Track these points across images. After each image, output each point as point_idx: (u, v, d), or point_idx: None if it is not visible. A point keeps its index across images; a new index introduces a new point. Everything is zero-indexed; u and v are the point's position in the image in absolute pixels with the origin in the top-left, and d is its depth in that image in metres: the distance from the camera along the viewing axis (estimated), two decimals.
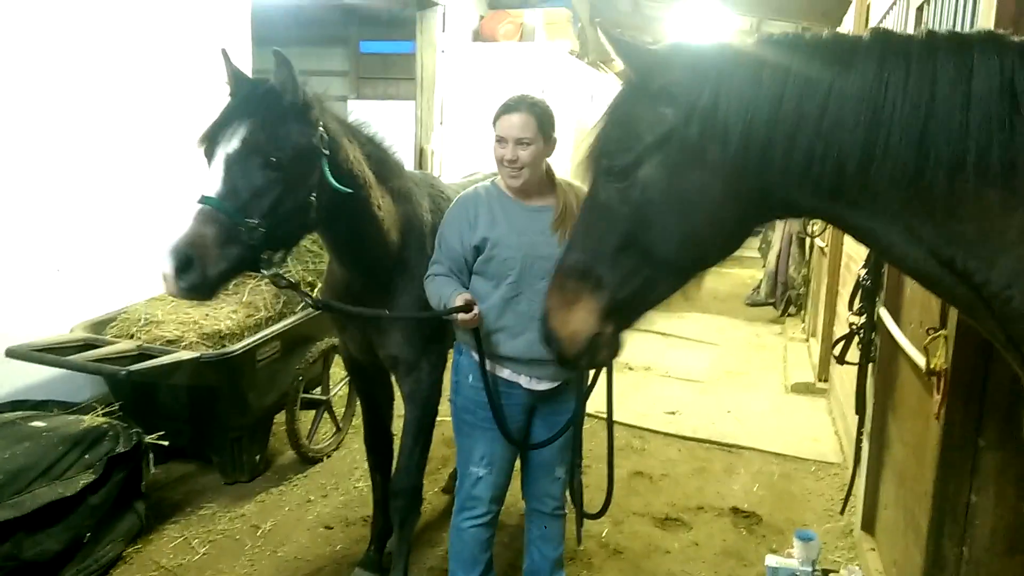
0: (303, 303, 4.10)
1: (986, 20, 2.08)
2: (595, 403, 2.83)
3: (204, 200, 2.26)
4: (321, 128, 2.45)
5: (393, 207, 2.85)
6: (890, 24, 3.82)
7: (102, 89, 4.21)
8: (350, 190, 2.52)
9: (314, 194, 2.43)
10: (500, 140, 2.51)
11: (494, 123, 2.54)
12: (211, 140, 2.34)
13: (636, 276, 1.50)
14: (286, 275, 2.50)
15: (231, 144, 2.30)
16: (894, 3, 3.79)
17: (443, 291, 2.56)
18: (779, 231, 8.61)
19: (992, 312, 1.30)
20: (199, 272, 2.20)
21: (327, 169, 2.46)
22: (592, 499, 3.41)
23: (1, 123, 3.73)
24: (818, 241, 6.95)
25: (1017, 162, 1.18)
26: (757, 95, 1.31)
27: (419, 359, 2.97)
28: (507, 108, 2.52)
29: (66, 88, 4.02)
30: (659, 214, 1.44)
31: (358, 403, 4.64)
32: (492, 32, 8.38)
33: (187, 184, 4.61)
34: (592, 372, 2.73)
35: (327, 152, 2.46)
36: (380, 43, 13.22)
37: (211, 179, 2.29)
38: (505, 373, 2.65)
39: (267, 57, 2.64)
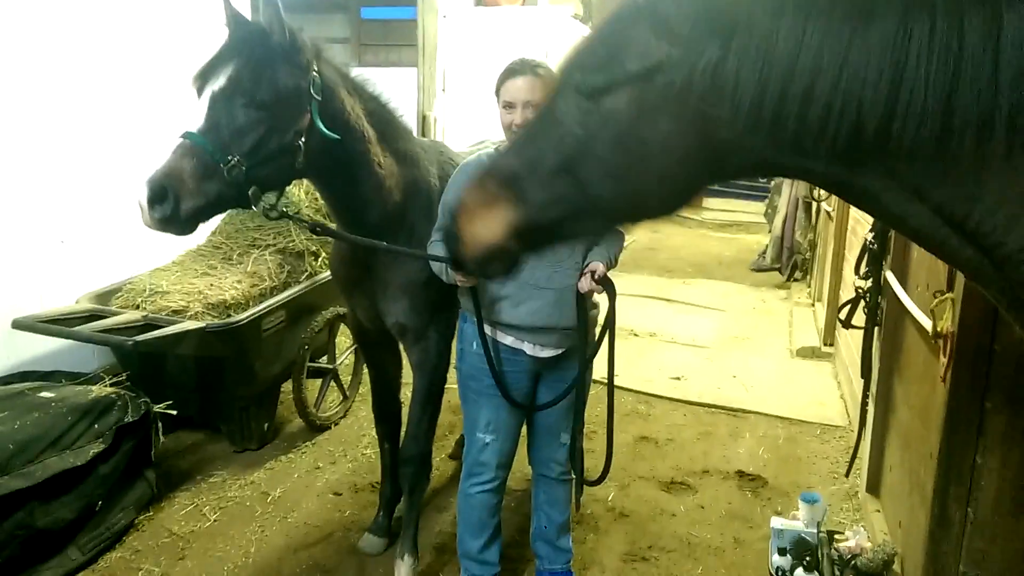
0: (307, 272, 4.12)
1: None
2: (601, 369, 2.83)
3: (186, 135, 2.26)
4: (315, 73, 2.44)
5: (396, 168, 2.82)
6: None
7: (104, 61, 4.17)
8: (338, 137, 2.49)
9: (302, 139, 2.42)
10: (507, 105, 2.46)
11: (498, 89, 2.50)
12: (202, 78, 2.34)
13: (562, 204, 1.38)
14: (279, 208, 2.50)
15: (217, 82, 2.30)
16: None
17: (438, 247, 2.54)
18: (785, 195, 8.55)
19: (1003, 274, 1.27)
20: (172, 204, 2.19)
21: (316, 115, 2.44)
22: (597, 465, 3.44)
23: (5, 97, 3.71)
24: (824, 206, 6.91)
25: None
26: (773, 51, 1.22)
27: (427, 327, 2.97)
28: (511, 72, 2.47)
29: (69, 61, 3.98)
30: (610, 150, 1.33)
31: (365, 371, 4.67)
32: None
33: None
34: (597, 338, 2.72)
35: (318, 98, 2.44)
36: (381, 9, 13.04)
37: (196, 115, 2.29)
38: (508, 340, 2.65)
39: None
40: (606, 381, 2.67)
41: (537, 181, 1.38)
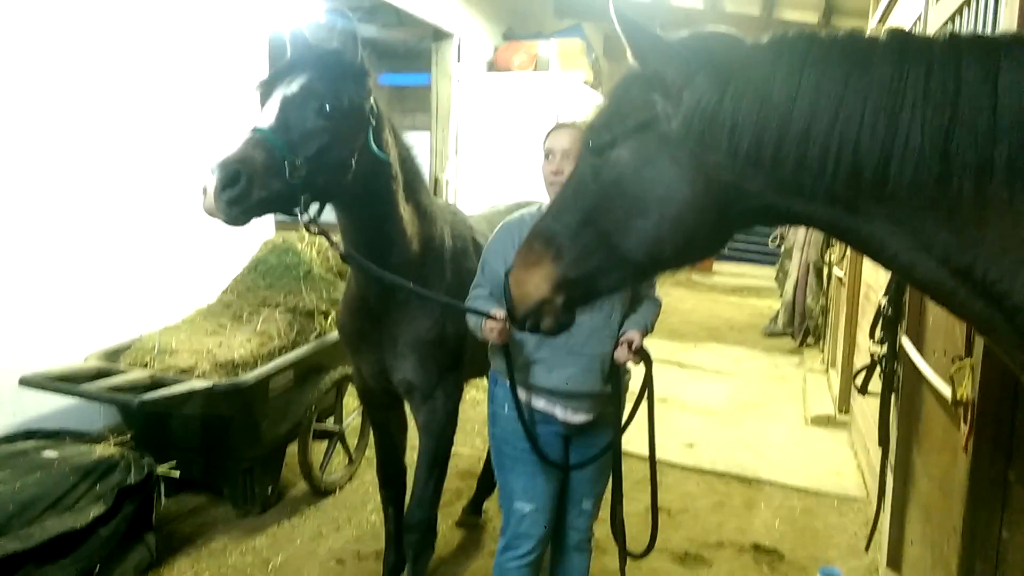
0: (316, 331, 4.11)
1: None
2: (626, 437, 2.77)
3: (256, 130, 2.34)
4: (372, 100, 2.57)
5: (416, 220, 2.86)
6: None
7: (122, 119, 4.26)
8: (387, 158, 2.62)
9: (355, 157, 2.52)
10: (548, 156, 2.52)
11: (544, 143, 2.57)
12: (268, 85, 2.46)
13: (592, 258, 1.48)
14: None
15: (290, 88, 2.41)
16: (911, 30, 3.78)
17: (478, 304, 2.54)
18: (796, 260, 8.55)
19: (1014, 327, 1.24)
20: (244, 187, 2.23)
21: (371, 137, 2.56)
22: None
23: (21, 153, 3.78)
24: (836, 271, 6.89)
25: None
26: (770, 93, 1.25)
27: (435, 387, 2.93)
28: (557, 127, 2.58)
29: (86, 118, 4.07)
30: (620, 200, 1.43)
31: (371, 434, 4.61)
32: (507, 62, 8.45)
33: (200, 217, 4.67)
34: (630, 406, 2.67)
35: (374, 123, 2.57)
36: (396, 76, 13.40)
37: (265, 114, 2.39)
38: (540, 404, 2.59)
39: None
40: (629, 450, 2.61)
41: (569, 237, 1.50)
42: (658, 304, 2.72)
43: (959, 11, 2.73)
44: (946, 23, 2.92)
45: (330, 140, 2.42)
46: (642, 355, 2.51)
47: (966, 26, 2.62)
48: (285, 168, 2.31)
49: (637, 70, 1.43)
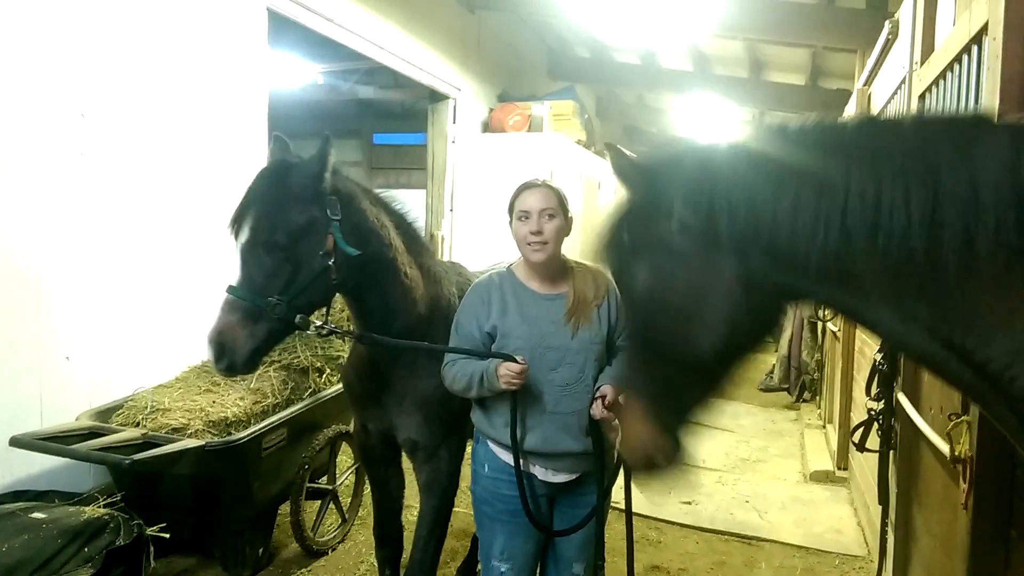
0: (310, 388, 4.08)
1: (990, 105, 2.12)
2: (618, 495, 2.73)
3: (229, 290, 2.51)
4: (331, 197, 2.58)
5: (422, 282, 2.90)
6: (892, 112, 3.90)
7: (114, 181, 4.30)
8: (359, 252, 2.61)
9: (331, 259, 2.56)
10: (523, 216, 2.50)
11: (513, 204, 2.55)
12: (235, 226, 2.56)
13: (667, 381, 1.56)
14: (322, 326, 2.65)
15: (243, 235, 2.52)
16: (896, 92, 3.88)
17: (476, 364, 2.49)
18: (790, 316, 8.57)
19: (999, 393, 1.26)
20: (230, 357, 2.48)
21: (339, 234, 2.57)
22: None
23: (13, 211, 3.81)
24: (830, 326, 6.91)
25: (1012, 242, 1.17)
26: (765, 195, 1.36)
27: (439, 446, 2.92)
28: (526, 186, 2.55)
29: (80, 182, 4.11)
30: (657, 310, 1.52)
31: (366, 493, 4.54)
32: (501, 123, 8.62)
33: (196, 274, 4.69)
34: (614, 463, 2.61)
35: (337, 218, 2.57)
36: (392, 135, 13.64)
37: (237, 268, 2.55)
38: (521, 464, 2.55)
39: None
40: (618, 506, 2.58)
41: (641, 373, 1.61)
42: None
43: (942, 76, 2.81)
44: (929, 87, 3.00)
45: (294, 266, 2.52)
46: (616, 410, 2.46)
47: (949, 90, 2.69)
48: (264, 312, 2.48)
49: (627, 199, 1.58)
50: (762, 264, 1.39)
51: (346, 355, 4.26)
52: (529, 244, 2.49)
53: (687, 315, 1.48)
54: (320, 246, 2.54)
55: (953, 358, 1.28)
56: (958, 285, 1.22)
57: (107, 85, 4.17)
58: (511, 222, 2.56)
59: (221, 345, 2.47)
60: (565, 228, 2.54)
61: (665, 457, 1.63)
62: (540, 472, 2.56)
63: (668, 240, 1.47)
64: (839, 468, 5.78)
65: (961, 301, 1.23)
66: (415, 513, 4.58)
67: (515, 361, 2.38)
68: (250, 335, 2.47)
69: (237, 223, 2.53)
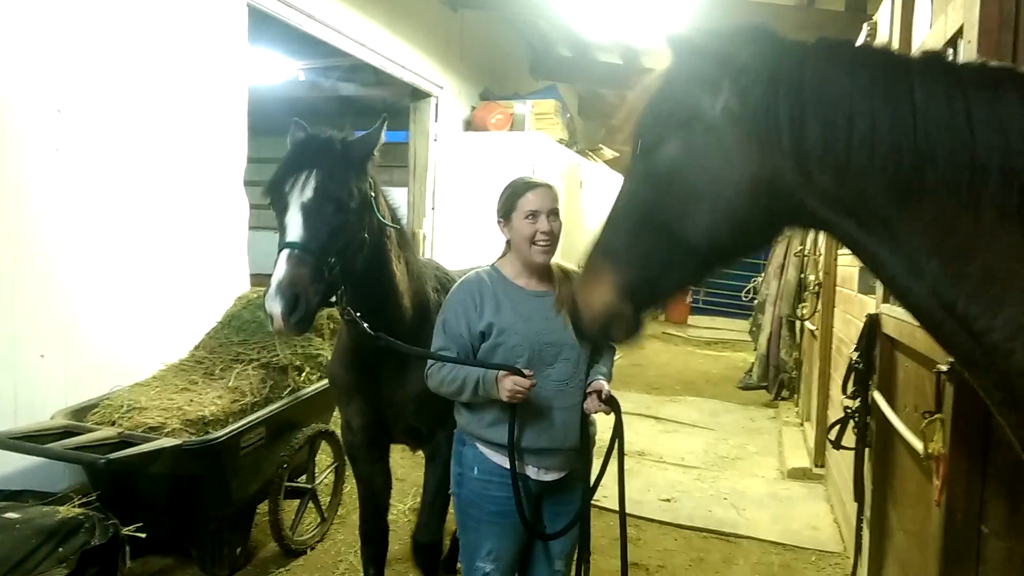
0: (289, 387, 4.06)
1: None
2: (601, 492, 2.75)
3: (290, 245, 2.43)
4: (370, 177, 2.70)
5: (407, 277, 2.94)
6: None
7: (90, 178, 4.25)
8: (397, 226, 2.76)
9: (367, 234, 2.63)
10: (532, 215, 2.48)
11: (516, 203, 2.51)
12: (278, 189, 2.53)
13: (653, 256, 1.53)
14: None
15: (305, 194, 2.48)
16: None
17: (470, 369, 2.44)
18: (769, 314, 8.65)
19: (992, 364, 1.26)
20: (304, 308, 2.39)
21: (376, 211, 2.67)
22: None
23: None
24: (808, 324, 6.98)
25: None
26: (823, 94, 1.33)
27: (437, 430, 2.99)
28: (530, 185, 2.54)
29: (56, 179, 4.06)
30: (674, 191, 1.48)
31: (344, 492, 4.52)
32: (483, 122, 8.62)
33: (173, 271, 4.64)
34: (600, 461, 2.63)
35: (374, 195, 2.70)
36: None
37: (291, 226, 2.47)
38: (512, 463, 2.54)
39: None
40: (600, 503, 2.58)
41: (627, 244, 1.56)
42: (613, 351, 2.75)
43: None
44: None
45: (349, 231, 2.55)
46: (611, 403, 2.49)
47: None
48: (325, 271, 2.47)
49: (673, 69, 1.52)
50: (795, 177, 1.37)
51: (325, 353, 4.25)
52: (537, 244, 2.49)
53: (698, 197, 1.46)
54: (367, 218, 2.63)
55: (950, 321, 1.28)
56: (988, 244, 1.21)
57: (84, 81, 4.12)
58: (508, 221, 2.55)
59: (296, 296, 2.36)
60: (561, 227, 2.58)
61: (622, 331, 1.62)
62: (533, 472, 2.55)
63: (706, 118, 1.44)
64: (816, 465, 5.84)
65: (979, 262, 1.21)
66: (398, 511, 4.59)
67: (523, 375, 2.34)
68: (316, 292, 2.43)
69: (284, 182, 2.51)
